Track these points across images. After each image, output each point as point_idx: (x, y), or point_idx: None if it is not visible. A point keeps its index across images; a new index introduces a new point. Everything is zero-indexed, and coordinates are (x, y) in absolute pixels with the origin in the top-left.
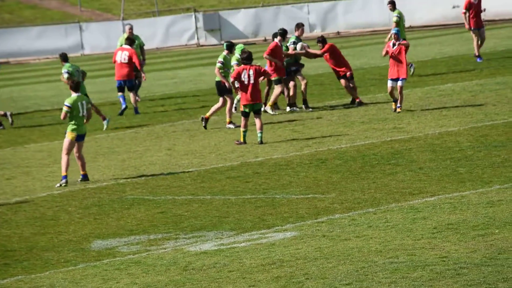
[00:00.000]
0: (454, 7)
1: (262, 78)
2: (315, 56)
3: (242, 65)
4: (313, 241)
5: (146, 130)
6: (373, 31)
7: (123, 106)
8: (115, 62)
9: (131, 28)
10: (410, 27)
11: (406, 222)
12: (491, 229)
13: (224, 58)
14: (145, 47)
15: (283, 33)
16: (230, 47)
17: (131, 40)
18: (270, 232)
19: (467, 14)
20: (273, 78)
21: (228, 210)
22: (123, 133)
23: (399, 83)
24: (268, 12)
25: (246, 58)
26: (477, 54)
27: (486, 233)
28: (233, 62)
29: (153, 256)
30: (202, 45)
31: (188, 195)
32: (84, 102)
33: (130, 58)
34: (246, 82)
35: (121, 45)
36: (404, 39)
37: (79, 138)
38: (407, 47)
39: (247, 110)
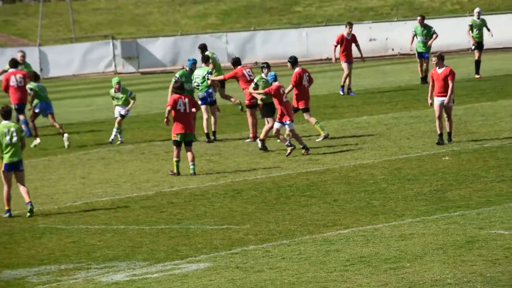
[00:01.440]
0: (371, 40)
1: (194, 109)
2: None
3: (177, 94)
4: (226, 272)
5: (61, 158)
6: None
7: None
8: (7, 88)
9: (23, 56)
10: (328, 59)
11: (320, 254)
12: (402, 262)
13: (259, 79)
14: (62, 74)
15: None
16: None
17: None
18: (184, 263)
19: (338, 48)
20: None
21: (141, 240)
22: (37, 161)
23: None
24: (187, 40)
25: (179, 88)
26: (342, 84)
27: (397, 267)
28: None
29: (63, 286)
30: (119, 73)
31: (102, 225)
32: (13, 129)
33: (24, 81)
34: (182, 111)
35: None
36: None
37: (9, 167)
38: None
39: (178, 139)
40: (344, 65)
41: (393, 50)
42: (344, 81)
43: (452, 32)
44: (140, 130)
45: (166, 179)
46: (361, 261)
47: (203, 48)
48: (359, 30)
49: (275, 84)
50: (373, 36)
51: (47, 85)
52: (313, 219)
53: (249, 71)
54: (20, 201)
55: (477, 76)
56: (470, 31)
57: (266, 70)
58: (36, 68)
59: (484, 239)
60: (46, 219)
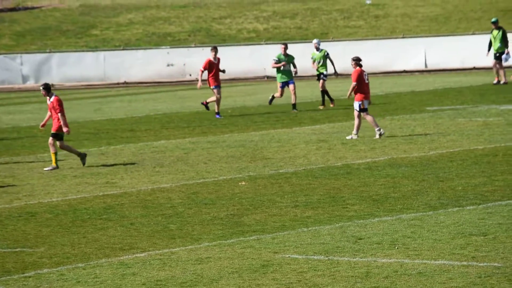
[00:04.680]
0: (168, 65)
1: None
2: None
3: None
4: None
5: None
6: (88, 85)
7: None
8: None
9: None
10: (125, 83)
11: (116, 277)
12: (198, 286)
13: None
14: None
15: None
16: None
17: None
18: None
19: (204, 73)
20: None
21: None
22: None
23: None
24: None
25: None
26: (217, 110)
27: None
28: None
29: None
30: None
31: None
32: None
33: None
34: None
35: None
36: None
37: None
38: None
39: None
40: (215, 90)
41: (190, 75)
42: (216, 104)
43: (248, 60)
44: None
45: None
46: (157, 285)
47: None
48: (156, 55)
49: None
50: (171, 61)
51: None
52: (109, 242)
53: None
54: None
55: (331, 105)
56: (314, 63)
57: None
58: None
59: (278, 263)
60: None
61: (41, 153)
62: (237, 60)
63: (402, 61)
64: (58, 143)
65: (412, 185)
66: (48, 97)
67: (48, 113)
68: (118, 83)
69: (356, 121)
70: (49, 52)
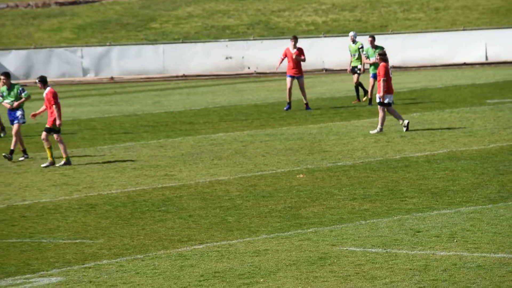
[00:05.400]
0: (227, 58)
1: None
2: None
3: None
4: (79, 287)
5: None
6: (147, 78)
7: None
8: None
9: None
10: (184, 76)
11: (174, 269)
12: (256, 278)
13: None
14: None
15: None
16: None
17: None
18: (35, 277)
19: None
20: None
21: None
22: None
23: None
24: (41, 54)
25: (43, 81)
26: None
27: (251, 282)
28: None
29: None
30: None
31: None
32: None
33: None
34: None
35: None
36: None
37: None
38: None
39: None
40: (288, 79)
41: (249, 68)
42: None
43: (307, 52)
44: None
45: (18, 193)
46: (215, 277)
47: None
48: (215, 48)
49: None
50: (230, 54)
51: None
52: (168, 234)
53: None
54: None
55: (355, 101)
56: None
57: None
58: None
59: (336, 255)
60: None
61: (101, 145)
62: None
63: (462, 53)
64: (55, 136)
65: (472, 178)
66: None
67: (43, 106)
68: (177, 76)
69: (380, 115)
70: (109, 45)
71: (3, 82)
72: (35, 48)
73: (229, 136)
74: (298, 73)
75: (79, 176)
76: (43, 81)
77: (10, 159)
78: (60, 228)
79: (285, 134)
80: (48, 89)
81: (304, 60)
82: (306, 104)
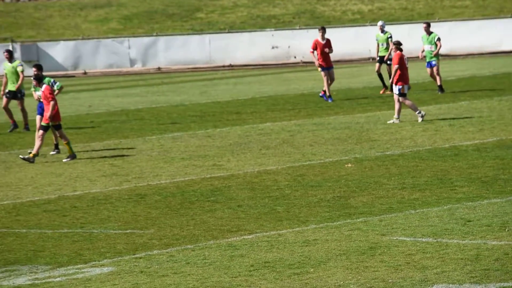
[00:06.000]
0: (273, 47)
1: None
2: None
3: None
4: (130, 277)
5: None
6: (193, 68)
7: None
8: None
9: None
10: (230, 65)
11: (224, 259)
12: (306, 267)
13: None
14: None
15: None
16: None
17: None
18: (87, 267)
19: (315, 54)
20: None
21: (44, 244)
22: None
23: None
24: (88, 45)
25: (38, 79)
26: (325, 90)
27: (301, 272)
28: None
29: None
30: None
31: (3, 228)
32: None
33: None
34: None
35: None
36: None
37: None
38: None
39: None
40: (322, 72)
41: (295, 57)
42: (327, 86)
43: (353, 41)
44: None
45: (68, 183)
46: (265, 266)
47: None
48: (261, 37)
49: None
50: (276, 44)
51: None
52: (217, 224)
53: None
54: None
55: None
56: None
57: None
58: None
59: (386, 245)
60: None
61: (149, 136)
62: (342, 42)
63: (511, 41)
64: (40, 131)
65: None
66: (39, 87)
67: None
68: (223, 66)
69: (396, 105)
70: (156, 36)
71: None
72: (82, 39)
73: (277, 126)
74: (329, 64)
75: (129, 166)
76: (38, 78)
77: (58, 152)
78: (110, 218)
79: (332, 123)
80: (44, 86)
81: (331, 51)
82: (330, 95)
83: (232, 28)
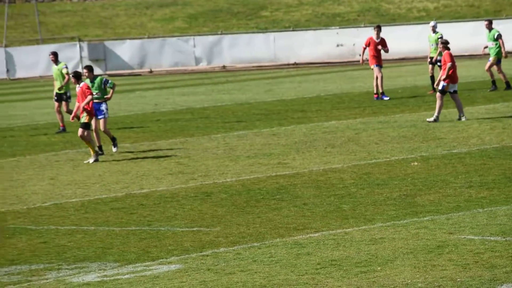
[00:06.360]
0: (338, 45)
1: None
2: None
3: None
4: (197, 274)
5: (29, 159)
6: (258, 66)
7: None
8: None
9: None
10: (295, 63)
11: (290, 257)
12: (373, 266)
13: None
14: (28, 75)
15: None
16: None
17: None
18: (155, 264)
19: (366, 51)
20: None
21: (112, 241)
22: (4, 161)
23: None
24: (154, 43)
25: (76, 76)
26: (381, 90)
27: (368, 270)
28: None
29: (34, 287)
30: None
31: (72, 226)
32: None
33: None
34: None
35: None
36: None
37: None
38: None
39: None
40: (375, 69)
41: (360, 55)
42: (379, 85)
43: (418, 39)
44: None
45: (135, 181)
46: (332, 265)
47: None
48: (326, 35)
49: None
50: (340, 42)
51: (14, 86)
52: (283, 222)
53: None
54: None
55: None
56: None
57: None
58: (2, 69)
59: (454, 244)
60: (16, 220)
61: (214, 134)
62: (407, 39)
63: None
64: (85, 132)
65: None
66: (77, 85)
67: (77, 104)
68: (288, 64)
69: (456, 103)
70: (221, 34)
71: (86, 75)
72: (148, 38)
73: (342, 124)
74: (379, 62)
75: (194, 164)
76: (77, 76)
77: (102, 154)
78: (177, 216)
79: (398, 121)
80: (82, 83)
81: (387, 51)
82: (382, 93)
83: (296, 26)
